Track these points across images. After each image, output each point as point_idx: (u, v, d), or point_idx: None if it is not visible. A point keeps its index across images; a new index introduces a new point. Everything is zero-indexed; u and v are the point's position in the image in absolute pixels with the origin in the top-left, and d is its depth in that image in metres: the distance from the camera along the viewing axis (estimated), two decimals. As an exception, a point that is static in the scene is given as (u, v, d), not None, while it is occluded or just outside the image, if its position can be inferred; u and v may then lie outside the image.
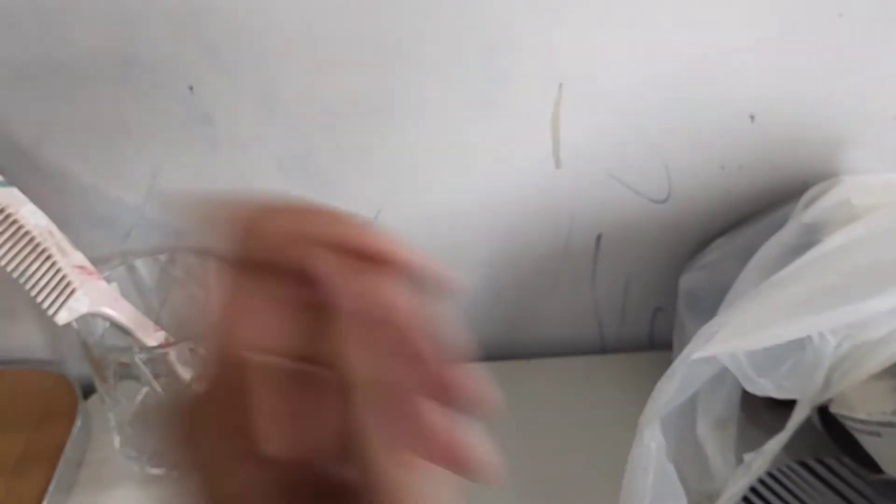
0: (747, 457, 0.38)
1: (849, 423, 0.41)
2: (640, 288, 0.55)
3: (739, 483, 0.37)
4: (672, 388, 0.39)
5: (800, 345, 0.37)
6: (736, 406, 0.42)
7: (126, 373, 0.44)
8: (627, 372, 0.55)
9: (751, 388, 0.38)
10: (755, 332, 0.36)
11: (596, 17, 0.43)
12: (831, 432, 0.44)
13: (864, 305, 0.35)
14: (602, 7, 0.43)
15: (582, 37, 0.44)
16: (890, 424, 0.39)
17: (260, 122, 0.46)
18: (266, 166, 0.48)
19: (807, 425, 0.38)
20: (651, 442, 0.38)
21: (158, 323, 0.46)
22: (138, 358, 0.43)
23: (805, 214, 0.44)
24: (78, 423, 0.49)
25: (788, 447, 0.40)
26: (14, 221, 0.41)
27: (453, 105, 0.46)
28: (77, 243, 0.43)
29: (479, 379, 0.19)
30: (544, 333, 0.57)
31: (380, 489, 0.18)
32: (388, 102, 0.45)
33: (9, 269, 0.41)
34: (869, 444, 0.41)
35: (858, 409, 0.40)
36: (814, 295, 0.37)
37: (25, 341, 0.54)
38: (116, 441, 0.48)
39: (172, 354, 0.44)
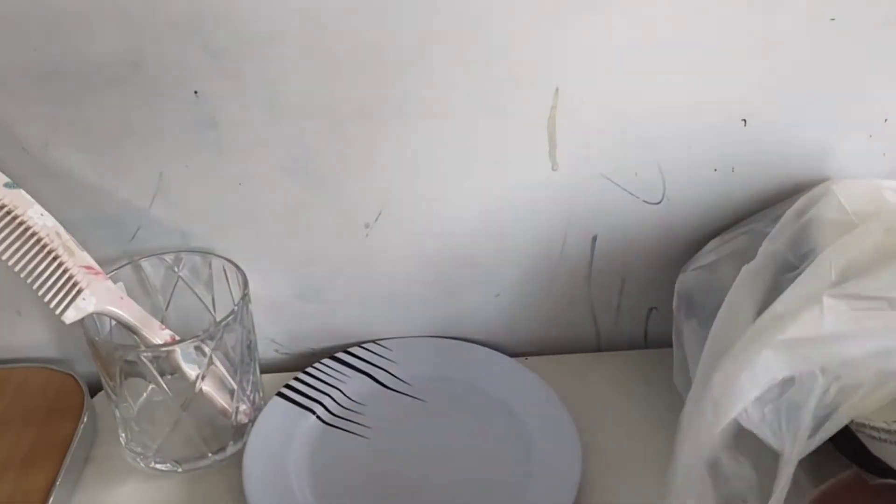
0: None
1: (865, 432, 0.40)
2: (635, 287, 0.55)
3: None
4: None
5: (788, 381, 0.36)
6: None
7: (132, 370, 0.45)
8: (623, 369, 0.56)
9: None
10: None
11: (591, 23, 0.43)
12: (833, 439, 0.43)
13: (853, 344, 0.35)
14: (597, 14, 0.43)
15: (578, 43, 0.44)
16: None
17: (264, 126, 0.46)
18: (270, 170, 0.48)
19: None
20: None
21: (164, 322, 0.47)
22: (144, 356, 0.44)
23: (797, 225, 0.44)
24: (84, 419, 0.49)
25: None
26: (21, 223, 0.42)
27: (452, 109, 0.46)
28: (84, 244, 0.44)
29: None
30: (541, 332, 0.58)
31: None
32: (389, 106, 0.46)
33: (16, 269, 0.41)
34: (886, 451, 0.39)
35: (876, 419, 0.39)
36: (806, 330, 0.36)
37: (33, 340, 0.55)
38: (122, 437, 0.48)
39: (177, 352, 0.45)
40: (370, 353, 0.55)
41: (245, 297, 0.47)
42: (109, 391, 0.46)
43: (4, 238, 0.41)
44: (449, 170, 0.49)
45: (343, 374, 0.54)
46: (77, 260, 0.43)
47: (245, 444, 0.48)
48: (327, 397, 0.52)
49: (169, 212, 0.50)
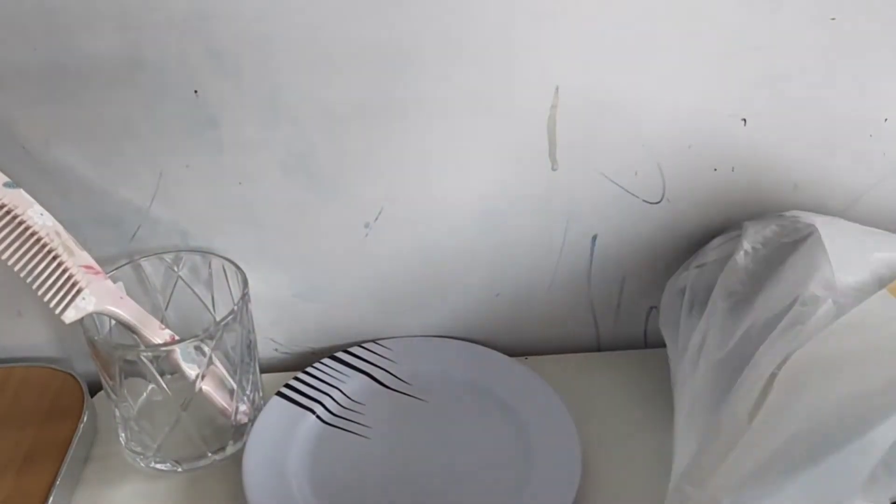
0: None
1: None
2: (635, 287, 0.55)
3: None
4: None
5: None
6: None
7: (132, 370, 0.45)
8: (622, 369, 0.56)
9: None
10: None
11: (591, 22, 0.44)
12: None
13: None
14: (597, 13, 0.43)
15: (577, 41, 0.44)
16: None
17: (264, 125, 0.46)
18: (270, 168, 0.48)
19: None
20: None
21: (164, 321, 0.47)
22: (144, 356, 0.44)
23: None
24: (84, 419, 0.49)
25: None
26: (21, 222, 0.42)
27: (452, 108, 0.46)
28: (84, 243, 0.44)
29: None
30: (541, 332, 0.58)
31: None
32: (388, 105, 0.46)
33: (16, 268, 0.41)
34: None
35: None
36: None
37: (33, 339, 0.55)
38: (122, 437, 0.48)
39: (177, 352, 0.45)
40: (370, 353, 0.55)
41: (245, 296, 0.47)
42: (109, 391, 0.46)
43: (4, 238, 0.41)
44: (449, 169, 0.49)
45: (343, 373, 0.54)
46: (77, 259, 0.43)
47: (245, 443, 0.48)
48: (327, 397, 0.52)
49: (169, 211, 0.50)
